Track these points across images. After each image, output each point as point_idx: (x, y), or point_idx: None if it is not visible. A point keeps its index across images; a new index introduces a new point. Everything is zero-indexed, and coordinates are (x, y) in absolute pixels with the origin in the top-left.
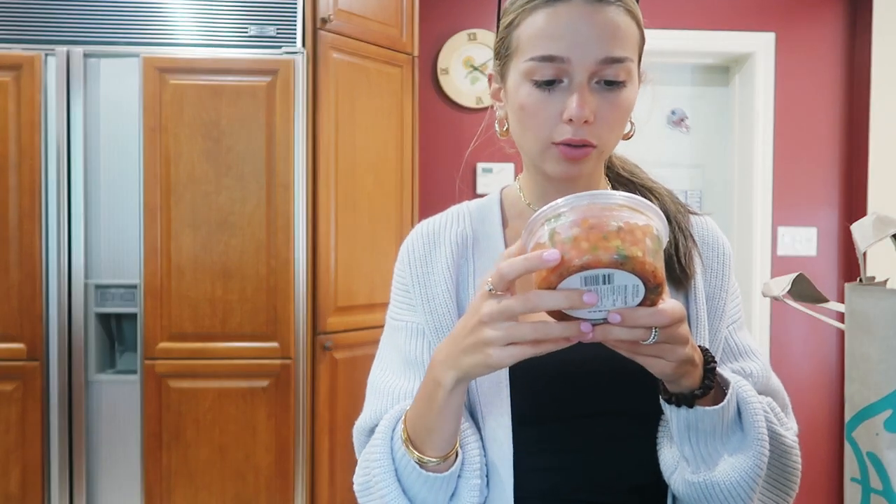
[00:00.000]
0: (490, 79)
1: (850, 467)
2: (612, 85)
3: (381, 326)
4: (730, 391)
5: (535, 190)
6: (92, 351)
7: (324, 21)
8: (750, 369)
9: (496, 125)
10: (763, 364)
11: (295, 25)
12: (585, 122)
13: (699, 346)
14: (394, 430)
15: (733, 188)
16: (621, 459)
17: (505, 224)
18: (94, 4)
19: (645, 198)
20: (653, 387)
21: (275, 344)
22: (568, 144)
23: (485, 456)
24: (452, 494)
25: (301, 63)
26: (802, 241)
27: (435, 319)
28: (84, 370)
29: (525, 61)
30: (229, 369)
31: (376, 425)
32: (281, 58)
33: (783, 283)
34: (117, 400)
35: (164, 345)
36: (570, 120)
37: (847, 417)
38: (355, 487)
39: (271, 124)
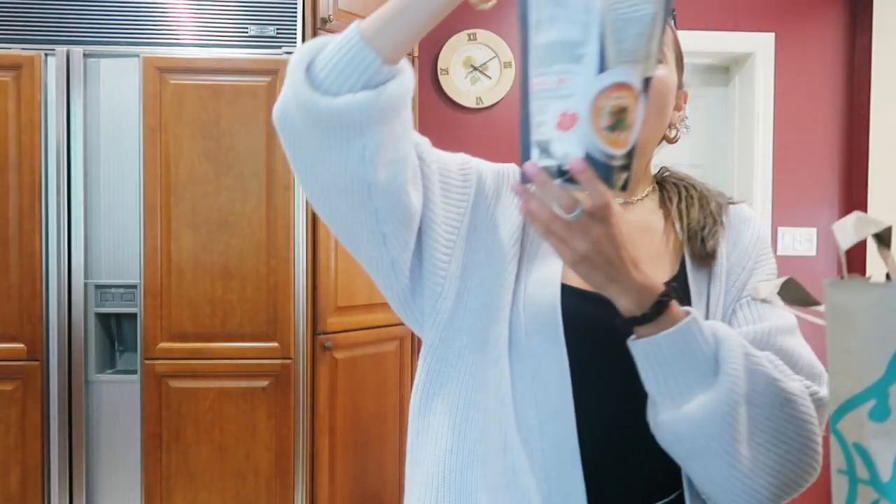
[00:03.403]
0: None
1: (836, 459)
2: None
3: (382, 326)
4: (686, 319)
5: None
6: (92, 351)
7: (324, 21)
8: (756, 329)
9: None
10: (776, 327)
11: (295, 25)
12: None
13: (665, 283)
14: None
15: (733, 188)
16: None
17: None
18: (94, 4)
19: (690, 189)
20: None
21: (275, 344)
22: None
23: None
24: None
25: None
26: (802, 242)
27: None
28: (84, 370)
29: None
30: (229, 369)
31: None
32: (281, 58)
33: (772, 287)
34: (117, 400)
35: (164, 345)
36: None
37: (832, 410)
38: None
39: (271, 124)
